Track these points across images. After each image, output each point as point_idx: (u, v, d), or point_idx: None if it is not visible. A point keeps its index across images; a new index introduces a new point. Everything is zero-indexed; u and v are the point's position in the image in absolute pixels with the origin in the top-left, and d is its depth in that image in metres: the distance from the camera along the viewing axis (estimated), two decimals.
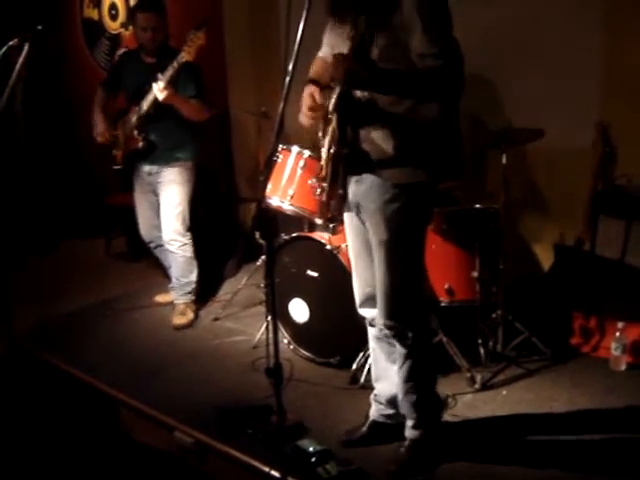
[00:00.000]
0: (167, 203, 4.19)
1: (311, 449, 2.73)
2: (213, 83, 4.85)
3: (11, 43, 3.13)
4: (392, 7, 2.30)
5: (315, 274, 3.57)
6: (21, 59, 3.11)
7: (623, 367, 3.45)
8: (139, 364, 3.75)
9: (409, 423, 2.76)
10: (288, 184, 3.51)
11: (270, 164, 2.89)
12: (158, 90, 3.77)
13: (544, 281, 3.97)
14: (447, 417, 3.01)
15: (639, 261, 3.60)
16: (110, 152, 4.32)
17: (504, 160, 3.51)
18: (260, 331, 3.84)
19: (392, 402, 2.86)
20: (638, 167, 3.57)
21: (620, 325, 3.43)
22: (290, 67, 2.19)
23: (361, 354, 3.38)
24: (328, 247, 3.47)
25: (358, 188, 2.54)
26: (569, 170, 3.87)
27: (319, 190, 2.58)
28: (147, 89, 3.90)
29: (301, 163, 3.50)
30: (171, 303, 4.41)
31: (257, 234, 3.79)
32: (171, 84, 3.79)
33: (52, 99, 6.56)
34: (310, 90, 2.57)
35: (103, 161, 4.48)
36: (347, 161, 2.47)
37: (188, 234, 4.27)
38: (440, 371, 3.13)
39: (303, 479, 2.62)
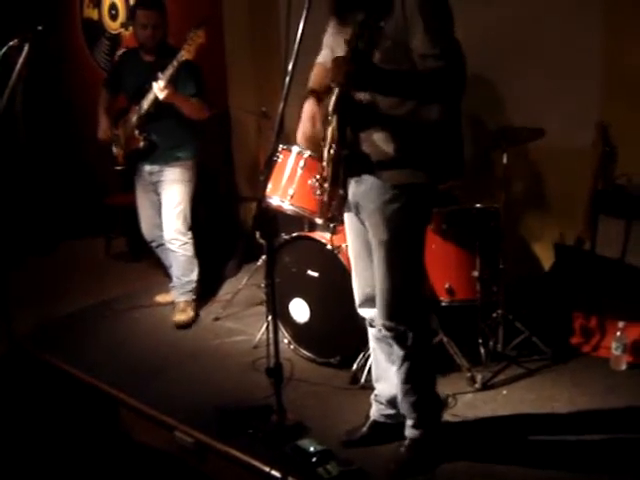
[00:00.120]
0: (168, 202, 4.20)
1: (311, 449, 2.73)
2: (213, 83, 4.85)
3: (11, 43, 3.13)
4: (394, 8, 2.30)
5: (315, 274, 3.57)
6: (21, 59, 3.11)
7: (624, 367, 3.45)
8: (139, 364, 3.75)
9: (409, 422, 2.76)
10: (288, 184, 3.51)
11: (270, 164, 2.90)
12: (158, 89, 3.78)
13: (544, 280, 3.97)
14: (447, 417, 3.01)
15: (639, 260, 3.60)
16: (110, 152, 4.32)
17: (504, 159, 3.51)
18: (260, 331, 3.85)
19: (392, 402, 2.86)
20: (638, 167, 3.56)
21: (620, 325, 3.43)
22: (290, 67, 2.19)
23: (361, 354, 3.38)
24: (328, 247, 3.47)
25: (358, 188, 2.54)
26: (569, 169, 3.87)
27: (319, 191, 2.58)
28: (147, 88, 3.90)
29: (301, 163, 3.50)
30: (171, 303, 4.42)
31: (257, 234, 3.78)
32: (171, 83, 3.79)
33: (52, 99, 6.56)
34: (311, 111, 2.58)
35: (103, 161, 4.49)
36: (347, 162, 2.47)
37: (189, 233, 4.27)
38: (440, 371, 3.14)
39: (303, 479, 2.62)
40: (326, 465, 2.66)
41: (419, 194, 2.50)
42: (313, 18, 2.20)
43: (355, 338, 3.34)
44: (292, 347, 3.74)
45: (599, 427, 2.97)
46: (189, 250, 4.29)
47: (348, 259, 3.23)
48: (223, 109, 5.40)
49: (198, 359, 3.80)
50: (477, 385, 3.31)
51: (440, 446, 2.79)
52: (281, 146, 3.54)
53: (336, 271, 3.42)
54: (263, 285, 4.39)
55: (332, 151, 2.46)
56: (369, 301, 2.74)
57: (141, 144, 4.08)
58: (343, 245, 3.43)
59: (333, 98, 2.44)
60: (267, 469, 2.67)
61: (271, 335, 2.29)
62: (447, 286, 3.47)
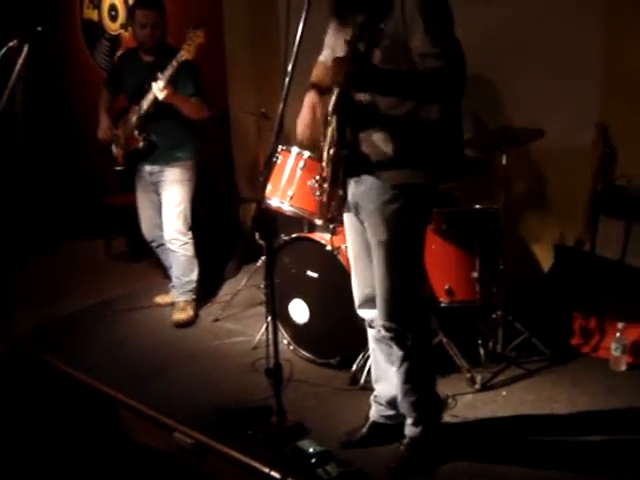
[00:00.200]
0: (168, 202, 4.20)
1: (311, 450, 2.73)
2: (213, 83, 4.85)
3: (11, 44, 3.13)
4: (393, 8, 2.30)
5: (315, 275, 3.57)
6: (21, 60, 3.11)
7: (623, 367, 3.44)
8: (139, 365, 3.75)
9: (409, 421, 2.76)
10: (288, 185, 3.51)
11: (270, 165, 2.90)
12: (158, 89, 3.78)
13: (544, 281, 3.97)
14: (447, 417, 3.01)
15: (639, 261, 3.60)
16: (110, 153, 4.32)
17: (504, 160, 3.51)
18: (260, 332, 3.85)
19: (392, 403, 2.86)
20: (638, 168, 3.56)
21: (620, 325, 3.43)
22: (290, 68, 2.20)
23: (361, 355, 3.38)
24: (328, 248, 3.47)
25: (357, 189, 2.54)
26: (569, 170, 3.87)
27: (319, 191, 2.58)
28: (146, 88, 3.90)
29: (301, 164, 3.50)
30: (171, 304, 4.42)
31: (257, 235, 3.79)
32: (170, 83, 3.79)
33: (52, 100, 6.56)
34: (312, 100, 2.58)
35: (103, 161, 4.49)
36: (346, 162, 2.47)
37: (189, 233, 4.28)
38: (440, 371, 3.13)
39: None
40: (326, 466, 2.65)
41: (419, 194, 2.50)
42: (312, 19, 2.20)
43: (354, 339, 3.34)
44: (292, 348, 3.74)
45: (599, 428, 2.97)
46: (189, 250, 4.29)
47: (347, 260, 3.23)
48: (223, 110, 5.40)
49: (198, 360, 3.80)
50: (477, 386, 3.31)
51: (440, 446, 2.79)
52: (280, 147, 3.54)
53: (335, 272, 3.42)
54: (263, 286, 4.39)
55: (332, 151, 2.46)
56: (369, 302, 2.74)
57: (141, 144, 4.09)
58: (342, 246, 3.43)
59: (333, 98, 2.44)
60: (267, 470, 2.67)
61: (271, 336, 2.30)
62: (447, 287, 3.47)
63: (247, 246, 5.09)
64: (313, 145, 2.73)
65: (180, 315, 4.26)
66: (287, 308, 3.69)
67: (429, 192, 2.56)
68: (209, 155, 4.69)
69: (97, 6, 6.31)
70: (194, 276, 4.35)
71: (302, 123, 2.65)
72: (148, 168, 4.21)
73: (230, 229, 5.51)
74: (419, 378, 2.70)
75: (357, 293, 2.80)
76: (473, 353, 3.50)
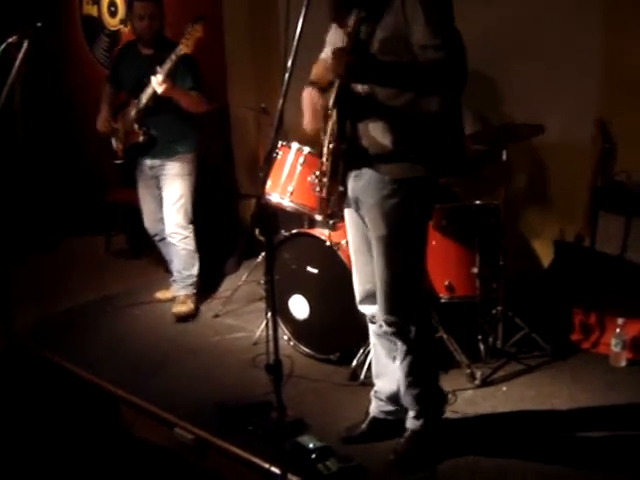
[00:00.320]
0: (169, 196, 4.21)
1: (311, 445, 2.73)
2: (213, 80, 4.84)
3: (10, 40, 3.13)
4: (393, 1, 2.30)
5: (315, 270, 3.57)
6: (20, 56, 3.11)
7: (623, 363, 3.45)
8: (139, 361, 3.75)
9: (411, 414, 2.77)
10: (288, 180, 3.51)
11: (270, 160, 2.89)
12: (157, 83, 3.77)
13: (544, 277, 3.97)
14: (447, 413, 3.00)
15: (639, 257, 3.60)
16: (110, 148, 4.31)
17: (504, 156, 3.51)
18: (260, 328, 3.85)
19: (392, 399, 2.86)
20: (638, 163, 3.56)
21: (620, 321, 3.43)
22: (289, 63, 2.19)
23: (361, 351, 3.38)
24: (328, 243, 3.47)
25: (357, 183, 2.54)
26: (569, 166, 3.87)
27: (318, 187, 2.58)
28: (146, 82, 3.90)
29: (301, 159, 3.50)
30: (171, 300, 4.42)
31: (257, 231, 3.77)
32: (169, 77, 3.79)
33: (52, 96, 6.55)
34: (308, 92, 2.58)
35: (102, 158, 4.48)
36: (346, 156, 2.47)
37: (190, 227, 4.28)
38: (440, 367, 3.13)
39: (303, 476, 2.63)
40: (326, 461, 2.66)
41: (418, 188, 2.50)
42: (312, 15, 2.20)
43: (355, 334, 3.34)
44: (292, 344, 3.74)
45: (599, 423, 2.97)
46: (190, 244, 4.30)
47: (347, 256, 3.22)
48: (223, 105, 5.39)
49: (198, 356, 3.80)
50: (477, 382, 3.31)
51: (440, 440, 2.80)
52: (280, 143, 3.54)
53: (336, 268, 3.42)
54: (263, 282, 4.39)
55: (331, 145, 2.45)
56: (369, 297, 2.74)
57: (141, 138, 4.08)
58: (343, 242, 3.43)
59: (333, 91, 2.44)
60: (267, 465, 2.67)
61: (271, 332, 2.29)
62: (447, 283, 3.47)
63: (247, 242, 5.09)
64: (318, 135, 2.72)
65: (181, 308, 4.26)
66: (287, 304, 3.69)
67: (429, 186, 2.56)
68: (209, 151, 4.68)
69: (96, 2, 6.30)
70: (195, 270, 4.35)
71: (306, 119, 2.65)
72: (149, 162, 4.21)
73: (230, 225, 5.50)
74: (422, 371, 2.71)
75: (358, 289, 2.80)
76: (473, 349, 3.50)
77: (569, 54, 3.79)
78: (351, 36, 2.29)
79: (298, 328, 3.70)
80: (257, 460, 2.77)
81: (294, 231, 3.72)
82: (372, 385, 2.98)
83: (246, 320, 4.22)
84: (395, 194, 2.46)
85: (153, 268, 5.12)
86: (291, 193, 3.48)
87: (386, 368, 2.86)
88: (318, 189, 2.59)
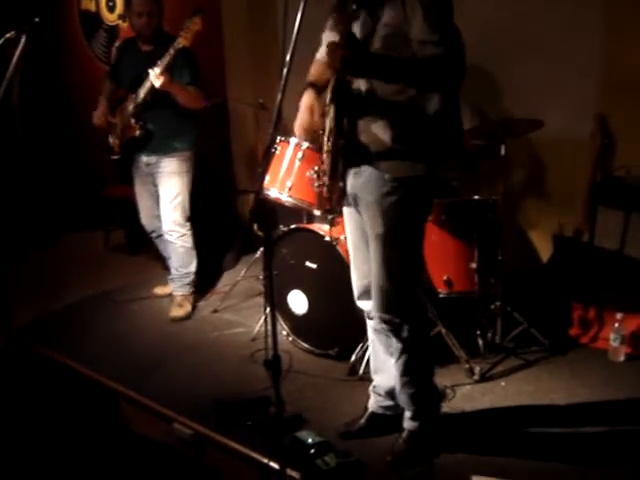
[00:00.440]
0: (166, 194, 4.19)
1: (310, 441, 2.73)
2: (211, 75, 4.84)
3: (8, 35, 3.11)
4: None
5: (314, 266, 3.57)
6: (18, 51, 3.10)
7: (622, 358, 3.45)
8: (138, 356, 3.75)
9: (407, 414, 2.77)
10: (286, 176, 3.50)
11: (268, 156, 2.89)
12: (154, 76, 3.76)
13: (543, 272, 3.97)
14: (445, 408, 3.01)
15: (638, 252, 3.60)
16: (105, 142, 4.30)
17: (503, 151, 3.51)
18: (259, 323, 3.85)
19: (391, 394, 2.86)
20: (637, 158, 3.56)
21: (619, 316, 3.43)
22: (287, 58, 2.19)
23: (360, 346, 3.38)
24: (327, 239, 3.47)
25: (356, 180, 2.53)
26: (568, 161, 3.87)
27: (317, 183, 2.57)
28: (144, 77, 3.89)
29: (299, 154, 3.49)
30: (170, 295, 4.42)
31: (255, 226, 3.78)
32: (167, 71, 3.77)
33: (50, 91, 6.54)
34: (309, 101, 2.57)
35: (101, 153, 4.48)
36: (345, 153, 2.46)
37: (187, 224, 4.27)
38: (438, 362, 3.14)
39: (302, 470, 2.63)
40: (324, 456, 2.66)
41: (417, 187, 2.49)
42: (311, 9, 2.19)
43: (353, 330, 3.34)
44: (290, 339, 3.74)
45: (597, 418, 2.98)
46: (188, 242, 4.28)
47: (346, 251, 3.22)
48: (221, 101, 5.38)
49: (197, 351, 3.80)
50: (475, 377, 3.31)
51: (438, 438, 2.80)
52: (279, 138, 3.53)
53: (334, 263, 3.42)
54: (261, 277, 4.39)
55: (330, 142, 2.45)
56: (367, 293, 2.74)
57: (137, 132, 4.07)
58: (341, 237, 3.42)
59: (330, 87, 2.44)
60: (265, 461, 2.67)
61: (269, 327, 2.29)
62: (445, 278, 3.47)
63: (246, 237, 5.08)
64: (313, 140, 2.73)
65: (177, 312, 4.25)
66: (286, 299, 3.69)
67: (428, 184, 2.55)
68: (207, 146, 4.68)
69: None
70: (192, 267, 4.34)
71: (300, 125, 2.63)
72: (145, 159, 4.19)
73: (228, 220, 5.50)
74: (417, 370, 2.70)
75: (356, 284, 2.80)
76: (472, 344, 3.50)
77: (568, 50, 3.79)
78: (345, 29, 2.29)
79: (297, 323, 3.70)
80: (256, 455, 2.77)
81: (293, 226, 3.72)
82: (371, 380, 2.98)
83: (245, 315, 4.22)
84: (395, 192, 2.46)
85: (152, 263, 5.12)
86: (290, 188, 3.48)
87: (384, 364, 2.86)
88: (317, 184, 2.58)
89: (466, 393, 3.22)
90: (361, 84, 2.42)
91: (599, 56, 3.72)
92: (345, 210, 2.73)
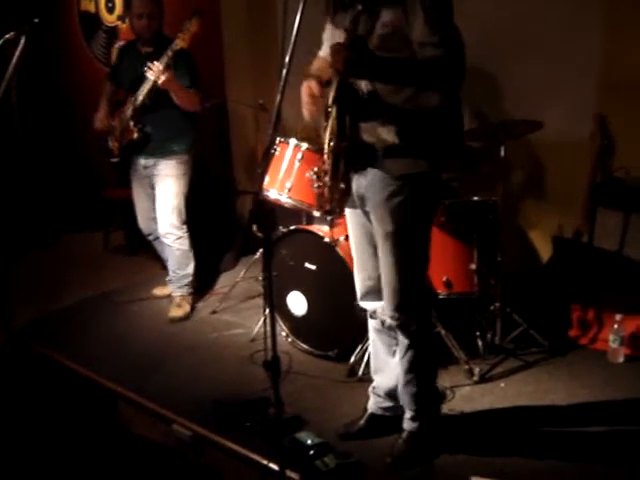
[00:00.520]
0: (162, 197, 4.19)
1: (309, 442, 2.73)
2: (211, 76, 4.84)
3: (7, 36, 3.11)
4: None
5: (313, 267, 3.57)
6: (17, 52, 3.10)
7: (621, 359, 3.45)
8: (137, 357, 3.75)
9: (407, 415, 2.77)
10: (286, 177, 3.50)
11: (267, 157, 2.89)
12: (157, 72, 3.72)
13: (542, 273, 3.97)
14: (445, 410, 3.02)
15: (637, 253, 3.61)
16: (105, 145, 4.30)
17: (502, 152, 3.51)
18: (258, 324, 3.85)
19: (390, 395, 2.86)
20: (636, 159, 3.57)
21: (618, 317, 3.43)
22: (287, 59, 2.19)
23: (359, 347, 3.38)
24: (326, 240, 3.46)
25: (361, 181, 2.54)
26: (568, 162, 3.87)
27: (317, 184, 2.57)
28: (142, 80, 3.89)
29: (299, 156, 3.49)
30: (169, 296, 4.42)
31: (255, 227, 3.78)
32: (169, 68, 3.77)
33: (49, 92, 6.54)
34: (306, 83, 2.57)
35: (100, 154, 4.48)
36: (347, 154, 2.46)
37: (184, 227, 4.27)
38: (438, 363, 3.13)
39: (301, 472, 2.62)
40: (324, 458, 2.66)
41: (423, 184, 2.50)
42: (310, 10, 2.20)
43: (353, 331, 3.34)
44: (290, 340, 3.74)
45: (597, 419, 2.97)
46: (184, 244, 4.28)
47: (346, 252, 3.23)
48: (220, 102, 5.38)
49: (196, 352, 3.80)
50: (475, 378, 3.31)
51: (437, 439, 2.80)
52: (278, 139, 3.53)
53: (334, 264, 3.42)
54: (261, 278, 4.39)
55: (332, 143, 2.45)
56: (370, 293, 2.75)
57: (135, 135, 4.07)
58: (341, 238, 3.43)
59: (333, 89, 2.44)
60: (265, 462, 2.67)
61: (269, 328, 2.29)
62: (445, 279, 3.47)
63: (245, 238, 5.09)
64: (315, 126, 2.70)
65: (176, 312, 4.25)
66: (285, 300, 3.69)
67: (433, 182, 2.56)
68: (207, 147, 4.68)
69: None
70: (190, 270, 4.35)
71: (304, 107, 2.63)
72: (142, 161, 4.19)
73: (228, 222, 5.50)
74: (421, 369, 2.71)
75: (359, 285, 2.80)
76: (471, 345, 3.50)
77: (568, 51, 3.79)
78: (349, 32, 2.29)
79: (296, 324, 3.70)
80: (255, 456, 2.77)
81: (292, 227, 3.72)
82: (370, 381, 2.98)
83: (244, 316, 4.22)
84: (401, 191, 2.47)
85: (151, 264, 5.12)
86: (289, 189, 3.48)
87: (385, 364, 2.86)
88: (316, 185, 2.58)
89: (465, 394, 3.22)
90: (363, 84, 2.42)
91: (599, 56, 3.71)
92: (348, 211, 2.73)
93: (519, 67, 3.92)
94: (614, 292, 3.55)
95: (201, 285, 4.57)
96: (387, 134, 2.43)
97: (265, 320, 2.87)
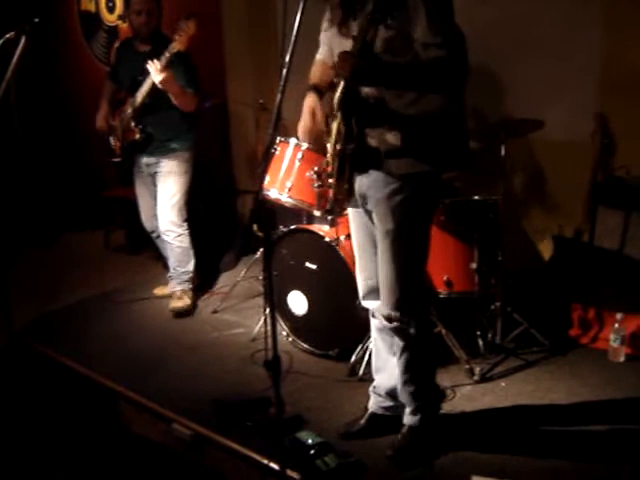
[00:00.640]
0: (163, 194, 4.20)
1: (310, 441, 2.73)
2: (211, 75, 4.84)
3: (8, 36, 3.12)
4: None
5: (313, 266, 3.57)
6: (18, 51, 3.10)
7: (622, 358, 3.45)
8: (138, 357, 3.75)
9: (408, 410, 2.78)
10: (286, 176, 3.50)
11: (268, 156, 2.89)
12: (156, 71, 3.73)
13: (543, 272, 3.97)
14: (446, 409, 3.01)
15: (638, 252, 3.60)
16: (107, 145, 4.31)
17: (503, 151, 3.51)
18: (259, 324, 3.85)
19: (391, 394, 2.86)
20: (637, 158, 3.56)
21: (619, 316, 3.43)
22: (287, 59, 2.19)
23: (360, 346, 3.38)
24: (326, 239, 3.46)
25: (363, 180, 2.55)
26: (568, 161, 3.86)
27: (317, 184, 2.57)
28: (141, 80, 3.89)
29: (299, 155, 3.49)
30: (170, 296, 4.42)
31: (255, 226, 3.77)
32: (168, 68, 3.76)
33: (50, 92, 6.54)
34: (311, 104, 2.58)
35: (100, 153, 4.48)
36: (352, 158, 2.47)
37: (184, 225, 4.27)
38: (439, 363, 3.13)
39: (302, 471, 2.63)
40: (324, 457, 2.66)
41: (424, 183, 2.51)
42: (310, 10, 2.19)
43: (353, 330, 3.34)
44: (290, 340, 3.74)
45: (597, 418, 2.97)
46: (184, 242, 4.29)
47: (346, 252, 3.23)
48: (221, 101, 5.38)
49: (196, 352, 3.80)
50: (475, 377, 3.31)
51: (438, 436, 2.80)
52: (279, 138, 3.53)
53: (334, 263, 3.42)
54: (261, 277, 4.39)
55: (338, 146, 2.46)
56: (372, 293, 2.75)
57: (137, 136, 4.08)
58: (341, 237, 3.43)
59: (337, 93, 2.44)
60: (265, 461, 2.68)
61: (269, 328, 2.29)
62: (445, 278, 3.47)
63: (245, 238, 5.09)
64: (315, 142, 2.73)
65: (177, 303, 4.26)
66: (286, 300, 3.68)
67: (434, 181, 2.57)
68: (207, 147, 4.68)
69: None
70: (190, 267, 4.36)
71: (303, 128, 2.65)
72: (145, 159, 4.21)
73: (228, 221, 5.50)
74: (419, 368, 2.71)
75: (361, 284, 2.81)
76: (472, 344, 3.50)
77: (569, 50, 3.78)
78: (358, 39, 2.29)
79: (297, 324, 3.70)
80: (256, 456, 2.77)
81: (292, 227, 3.72)
82: (371, 381, 2.98)
83: (244, 316, 4.22)
84: (402, 190, 2.48)
85: (152, 264, 5.12)
86: (289, 189, 3.48)
87: (386, 363, 2.86)
88: (316, 185, 2.58)
89: (466, 393, 3.22)
90: (367, 89, 2.43)
91: (599, 55, 3.71)
92: (350, 212, 2.74)
93: (520, 66, 3.92)
94: (615, 291, 3.55)
95: (201, 285, 4.57)
96: (391, 136, 2.44)
97: (266, 320, 2.86)
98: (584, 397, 3.14)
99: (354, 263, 2.89)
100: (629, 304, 3.47)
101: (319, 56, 2.74)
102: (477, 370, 3.33)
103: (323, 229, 3.55)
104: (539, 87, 3.88)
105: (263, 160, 2.84)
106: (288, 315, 3.71)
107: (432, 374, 2.81)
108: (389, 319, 2.63)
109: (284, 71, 2.19)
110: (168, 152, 4.13)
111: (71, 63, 6.60)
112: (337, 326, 3.50)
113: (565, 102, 3.81)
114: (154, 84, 3.82)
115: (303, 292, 3.61)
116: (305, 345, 3.69)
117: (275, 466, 2.60)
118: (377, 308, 2.73)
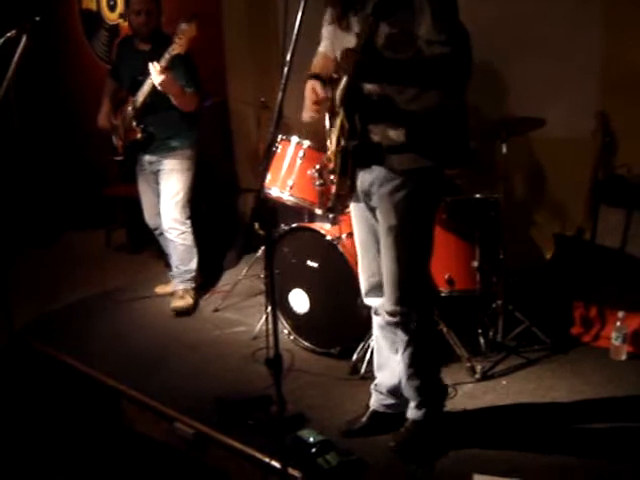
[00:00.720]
0: (166, 192, 4.20)
1: (311, 439, 2.73)
2: (212, 74, 4.84)
3: (9, 34, 3.12)
4: None
5: (315, 264, 3.57)
6: (19, 50, 3.10)
7: (623, 357, 3.45)
8: (140, 355, 3.75)
9: (412, 404, 2.79)
10: (287, 174, 3.50)
11: (269, 154, 2.89)
12: (156, 72, 3.72)
13: (544, 270, 3.96)
14: (447, 407, 3.01)
15: (639, 250, 3.60)
16: (110, 143, 4.31)
17: (504, 149, 3.50)
18: (260, 322, 3.85)
19: (393, 392, 2.87)
20: (638, 157, 3.56)
21: (620, 315, 3.43)
22: (288, 57, 2.18)
23: (361, 344, 3.38)
24: (328, 237, 3.46)
25: (366, 176, 2.55)
26: (570, 159, 3.86)
27: (318, 182, 2.57)
28: (141, 80, 3.89)
29: (300, 153, 3.49)
30: (171, 294, 4.42)
31: (256, 225, 3.77)
32: (168, 69, 3.76)
33: (51, 90, 6.55)
34: (311, 84, 2.58)
35: (102, 152, 4.48)
36: (355, 154, 2.48)
37: (188, 222, 4.27)
38: (441, 357, 3.13)
39: (303, 469, 2.63)
40: (326, 455, 2.66)
41: (427, 179, 2.52)
42: (311, 8, 2.19)
43: (355, 328, 3.34)
44: (292, 338, 3.74)
45: (599, 417, 2.97)
46: (188, 239, 4.29)
47: (348, 250, 3.23)
48: (222, 100, 5.38)
49: (198, 350, 3.80)
50: (477, 375, 3.31)
51: (441, 431, 2.81)
52: (280, 136, 3.53)
53: (336, 262, 3.42)
54: (262, 276, 4.40)
55: (341, 143, 2.46)
56: (374, 290, 2.75)
57: (139, 136, 4.08)
58: (343, 235, 3.43)
59: (340, 89, 2.44)
60: (267, 460, 2.68)
61: (271, 326, 2.29)
62: (447, 276, 3.47)
63: (247, 236, 5.09)
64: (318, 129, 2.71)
65: (179, 302, 4.26)
66: (287, 298, 3.68)
67: (436, 177, 2.58)
68: (209, 145, 4.68)
69: None
70: (193, 265, 4.35)
71: (306, 109, 2.64)
72: (147, 158, 4.21)
73: (230, 220, 5.50)
74: (424, 362, 2.72)
75: (364, 281, 2.81)
76: (473, 342, 3.50)
77: (569, 49, 3.79)
78: (362, 36, 2.29)
79: (298, 322, 3.70)
80: (257, 454, 2.77)
81: (294, 225, 3.72)
82: (372, 379, 2.98)
83: (246, 314, 4.22)
84: (405, 186, 2.48)
85: (153, 262, 5.13)
86: (291, 187, 3.48)
87: (388, 361, 2.86)
88: (318, 183, 2.58)
89: (468, 392, 3.22)
90: (370, 85, 2.43)
91: (600, 54, 3.72)
92: (353, 208, 2.74)
93: (521, 65, 3.92)
94: (616, 289, 3.55)
95: (203, 283, 4.57)
96: (393, 132, 2.45)
97: (267, 318, 2.87)
98: (586, 395, 3.14)
99: (356, 261, 2.89)
100: (631, 302, 3.47)
101: (321, 49, 2.75)
102: (478, 368, 3.33)
103: (324, 227, 3.55)
104: (540, 86, 3.89)
105: (265, 158, 2.84)
106: (289, 313, 3.71)
107: (436, 369, 2.82)
108: (393, 314, 2.63)
109: (285, 69, 2.18)
110: (169, 150, 4.14)
111: (72, 62, 6.60)
112: (338, 324, 3.50)
113: (566, 101, 3.82)
114: (155, 85, 3.82)
115: (304, 290, 3.61)
116: (306, 343, 3.69)
117: (277, 464, 2.60)
118: (380, 305, 2.73)
